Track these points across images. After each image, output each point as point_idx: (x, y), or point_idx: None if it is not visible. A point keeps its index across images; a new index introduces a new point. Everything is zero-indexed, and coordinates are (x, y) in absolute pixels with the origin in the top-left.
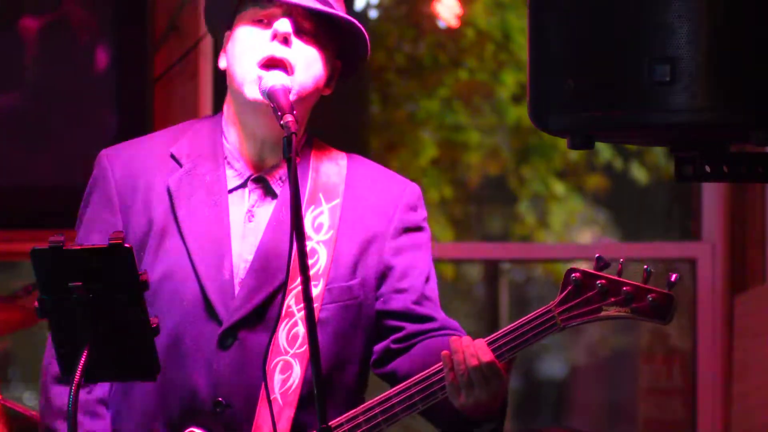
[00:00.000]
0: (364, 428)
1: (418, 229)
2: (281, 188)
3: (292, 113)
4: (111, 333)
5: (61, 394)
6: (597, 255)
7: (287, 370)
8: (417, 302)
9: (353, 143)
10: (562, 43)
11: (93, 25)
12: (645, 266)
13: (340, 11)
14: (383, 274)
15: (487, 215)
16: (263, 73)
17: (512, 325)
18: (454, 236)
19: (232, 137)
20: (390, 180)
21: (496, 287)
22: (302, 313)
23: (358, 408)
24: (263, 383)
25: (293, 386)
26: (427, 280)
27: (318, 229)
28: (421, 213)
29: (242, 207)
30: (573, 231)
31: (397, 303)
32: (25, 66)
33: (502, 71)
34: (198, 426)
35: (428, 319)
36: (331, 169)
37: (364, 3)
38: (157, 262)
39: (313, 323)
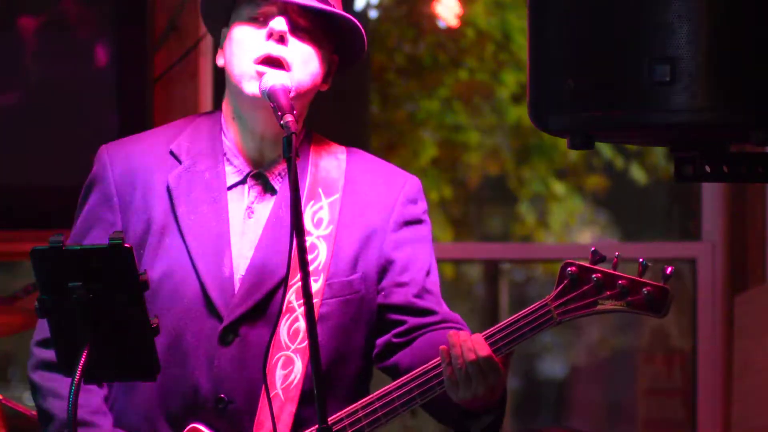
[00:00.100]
0: (364, 422)
1: (418, 222)
2: (281, 184)
3: (292, 113)
4: (111, 333)
5: (38, 374)
6: (592, 249)
7: (289, 366)
8: (418, 295)
9: (353, 143)
10: (562, 43)
11: (93, 25)
12: (640, 259)
13: (336, 7)
14: (384, 268)
15: (487, 215)
16: (262, 68)
17: (509, 319)
18: (454, 236)
19: (231, 134)
20: (390, 173)
21: (496, 287)
22: (303, 308)
23: (358, 402)
24: (266, 377)
25: (295, 381)
26: (428, 273)
27: (318, 224)
28: (422, 206)
29: (242, 204)
30: (573, 231)
31: (399, 297)
32: (25, 66)
33: (502, 71)
34: (200, 422)
35: (429, 312)
36: (331, 164)
37: (364, 3)
38: (157, 259)
39: (313, 323)
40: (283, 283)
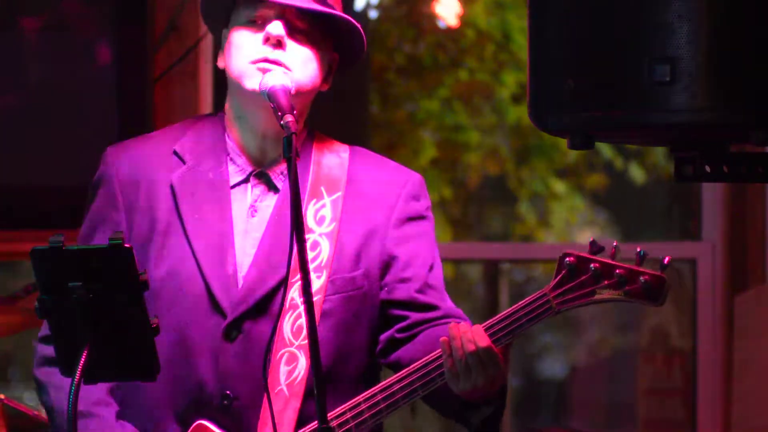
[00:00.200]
0: (366, 415)
1: (421, 218)
2: (283, 183)
3: (292, 113)
4: (111, 333)
5: (39, 371)
6: (591, 240)
7: (293, 362)
8: (420, 291)
9: (353, 143)
10: (562, 43)
11: (93, 25)
12: (638, 249)
13: (335, 6)
14: (387, 264)
15: (487, 215)
16: (263, 65)
17: (508, 310)
18: (454, 236)
19: (233, 134)
20: (392, 171)
21: (496, 287)
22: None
23: (360, 396)
24: (267, 375)
25: (299, 377)
26: (431, 268)
27: (320, 222)
28: (424, 202)
29: (245, 202)
30: (573, 230)
31: (401, 292)
32: (25, 66)
33: (502, 71)
34: (206, 419)
35: (432, 307)
36: (333, 162)
37: (364, 3)
38: (162, 258)
39: (313, 323)
40: (284, 281)
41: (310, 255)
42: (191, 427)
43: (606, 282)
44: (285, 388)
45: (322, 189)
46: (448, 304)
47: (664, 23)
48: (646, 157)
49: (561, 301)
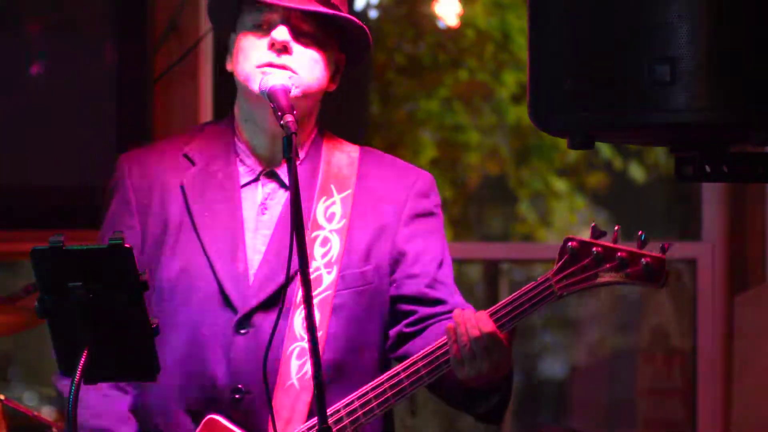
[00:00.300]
0: (374, 404)
1: (430, 214)
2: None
3: (292, 113)
4: (111, 333)
5: (65, 384)
6: (593, 225)
7: (303, 356)
8: (429, 286)
9: (353, 143)
10: (562, 43)
11: (93, 25)
12: (639, 232)
13: (339, 6)
14: (396, 260)
15: (487, 215)
16: (269, 70)
17: (512, 296)
18: (454, 236)
19: (243, 135)
20: (402, 169)
21: (496, 287)
22: (317, 299)
23: (368, 385)
24: (267, 368)
25: (310, 371)
26: (441, 264)
27: (330, 219)
28: (434, 200)
29: (255, 201)
30: (574, 230)
31: (410, 288)
32: (25, 66)
33: (502, 71)
34: (217, 413)
35: (441, 302)
36: (343, 161)
37: (364, 3)
38: (174, 256)
39: (312, 323)
40: (287, 278)
41: (320, 251)
42: (203, 422)
43: (608, 265)
44: (296, 382)
45: (332, 187)
46: (457, 299)
47: (664, 23)
48: (646, 155)
49: (563, 285)
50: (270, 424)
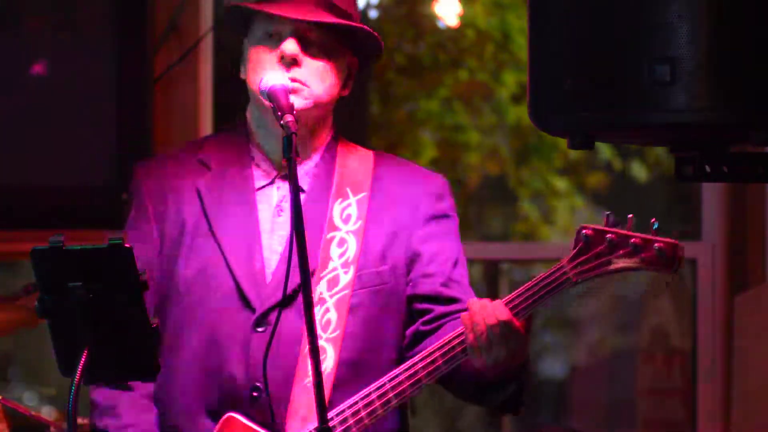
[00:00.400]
0: (390, 395)
1: (445, 216)
2: (308, 183)
3: (292, 113)
4: (111, 333)
5: (100, 392)
6: (607, 213)
7: (321, 354)
8: (445, 285)
9: (354, 143)
10: (562, 43)
11: (93, 25)
12: (652, 220)
13: (348, 10)
14: (412, 261)
15: (487, 215)
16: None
17: (527, 284)
18: None
19: (256, 141)
20: (417, 172)
21: (496, 287)
22: (334, 299)
23: (385, 377)
24: (266, 365)
25: (327, 369)
26: (456, 264)
27: (346, 220)
28: (448, 202)
29: (271, 203)
30: (575, 229)
31: (426, 287)
32: (25, 66)
33: (502, 71)
34: (236, 411)
35: (456, 300)
36: (358, 164)
37: (364, 3)
38: (191, 258)
39: (312, 324)
40: (287, 276)
41: (337, 251)
42: (221, 419)
43: (621, 251)
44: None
45: (348, 189)
46: (471, 298)
47: (664, 23)
48: (647, 154)
49: (578, 272)
50: (287, 421)
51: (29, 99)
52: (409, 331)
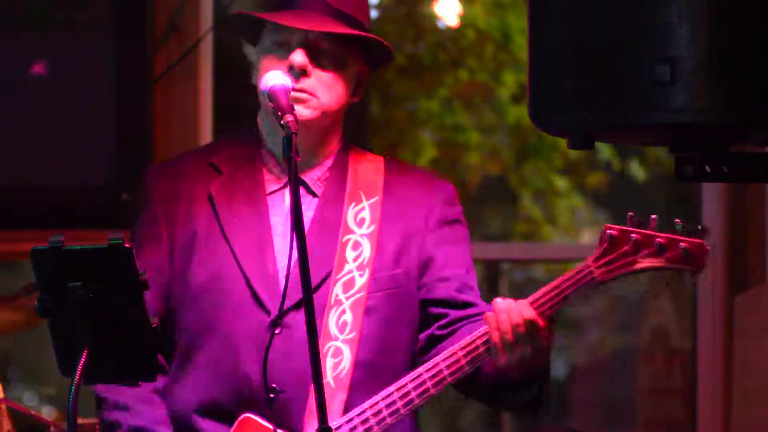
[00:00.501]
0: (413, 395)
1: (456, 221)
2: (322, 188)
3: (292, 113)
4: (111, 333)
5: (107, 387)
6: (630, 213)
7: (338, 355)
8: (459, 290)
9: (353, 143)
10: (562, 43)
11: (93, 25)
12: (676, 220)
13: (357, 17)
14: (425, 264)
15: (487, 215)
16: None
17: (552, 283)
18: None
19: (268, 146)
20: (427, 177)
21: (496, 287)
22: (350, 301)
23: (406, 377)
24: (267, 364)
25: (344, 370)
26: (468, 270)
27: (360, 224)
28: (459, 208)
29: (283, 207)
30: (575, 228)
31: (440, 291)
32: (25, 66)
33: (502, 71)
34: (252, 412)
35: (470, 305)
36: (370, 169)
37: None
38: (204, 263)
39: (312, 325)
40: (288, 276)
41: (352, 254)
42: (238, 420)
43: (646, 251)
44: (331, 381)
45: (361, 193)
46: (484, 304)
47: (664, 23)
48: (647, 154)
49: (604, 272)
50: (304, 422)
51: (29, 99)
52: (423, 335)
